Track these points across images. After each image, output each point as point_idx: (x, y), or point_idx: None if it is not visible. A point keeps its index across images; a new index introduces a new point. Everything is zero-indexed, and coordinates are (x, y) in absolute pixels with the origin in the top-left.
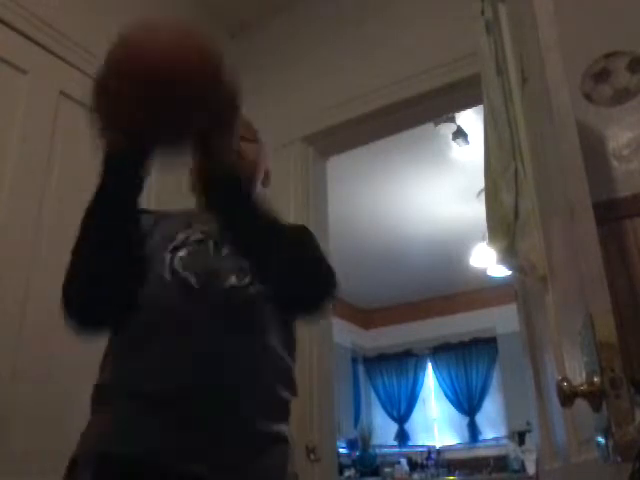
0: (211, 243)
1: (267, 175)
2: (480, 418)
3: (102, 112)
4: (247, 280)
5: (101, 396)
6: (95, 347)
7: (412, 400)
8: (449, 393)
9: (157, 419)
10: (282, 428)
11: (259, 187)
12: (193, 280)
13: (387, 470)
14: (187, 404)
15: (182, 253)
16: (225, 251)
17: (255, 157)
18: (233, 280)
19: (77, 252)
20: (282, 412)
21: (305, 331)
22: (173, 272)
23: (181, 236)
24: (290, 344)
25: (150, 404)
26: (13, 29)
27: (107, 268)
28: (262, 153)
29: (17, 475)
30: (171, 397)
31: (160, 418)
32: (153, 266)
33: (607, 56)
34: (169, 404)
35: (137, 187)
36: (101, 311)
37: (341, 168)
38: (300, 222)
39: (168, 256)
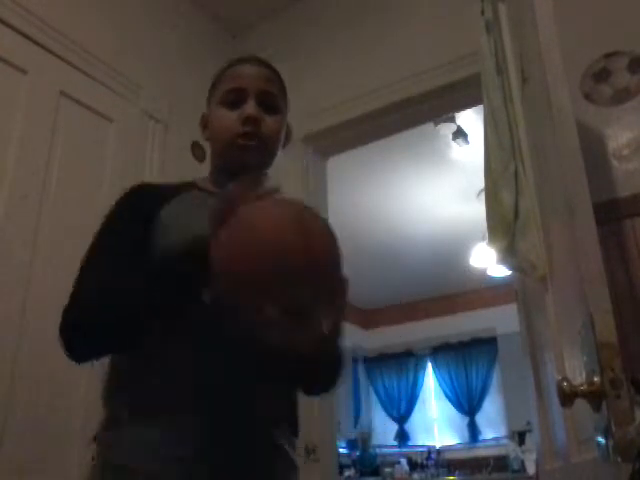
0: None
1: (288, 136)
2: (480, 418)
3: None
4: None
5: None
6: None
7: (412, 400)
8: (449, 393)
9: None
10: None
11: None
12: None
13: (387, 470)
14: None
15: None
16: None
17: (277, 132)
18: None
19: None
20: None
21: None
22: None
23: None
24: None
25: None
26: (13, 29)
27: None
28: (284, 124)
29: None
30: None
31: None
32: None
33: (607, 56)
34: None
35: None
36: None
37: (341, 168)
38: None
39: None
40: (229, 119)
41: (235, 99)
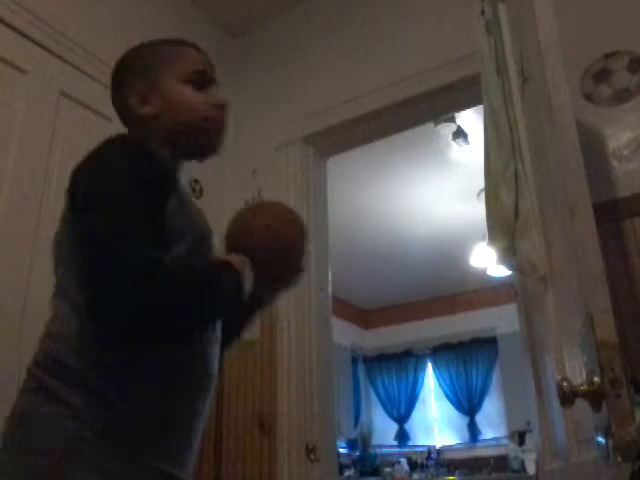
0: None
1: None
2: (480, 418)
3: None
4: None
5: None
6: None
7: (412, 400)
8: (449, 393)
9: None
10: None
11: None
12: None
13: (387, 470)
14: None
15: None
16: None
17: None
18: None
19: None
20: None
21: (305, 331)
22: None
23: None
24: None
25: None
26: (13, 29)
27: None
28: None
29: None
30: None
31: None
32: None
33: (607, 56)
34: None
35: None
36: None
37: (341, 168)
38: None
39: None
40: (198, 100)
41: (201, 81)
